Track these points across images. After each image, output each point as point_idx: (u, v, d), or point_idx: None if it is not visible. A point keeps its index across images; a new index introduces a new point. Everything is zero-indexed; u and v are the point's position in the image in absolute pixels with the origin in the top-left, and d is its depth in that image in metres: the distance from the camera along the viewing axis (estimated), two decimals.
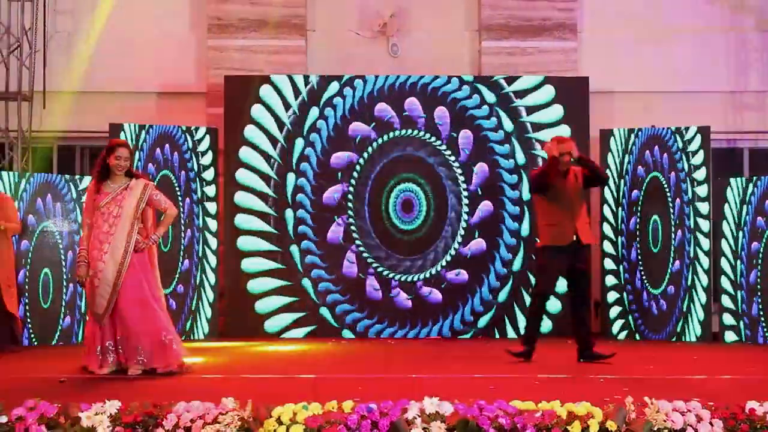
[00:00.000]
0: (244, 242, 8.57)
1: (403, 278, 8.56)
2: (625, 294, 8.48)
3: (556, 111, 8.62)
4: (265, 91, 8.64)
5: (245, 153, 8.59)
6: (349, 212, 8.59)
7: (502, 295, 8.56)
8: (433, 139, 8.62)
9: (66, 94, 9.13)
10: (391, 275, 8.56)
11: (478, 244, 8.57)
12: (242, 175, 8.59)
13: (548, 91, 8.65)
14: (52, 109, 9.14)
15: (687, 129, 8.36)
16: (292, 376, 5.90)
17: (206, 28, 9.16)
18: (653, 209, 8.41)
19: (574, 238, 6.51)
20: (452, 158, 8.61)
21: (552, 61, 9.09)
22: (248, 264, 8.54)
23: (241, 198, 8.58)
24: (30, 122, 9.07)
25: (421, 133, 8.63)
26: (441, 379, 5.77)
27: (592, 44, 9.26)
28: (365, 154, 8.61)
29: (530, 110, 8.63)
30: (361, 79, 8.64)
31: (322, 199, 8.59)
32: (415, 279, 8.57)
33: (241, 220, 8.57)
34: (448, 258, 8.57)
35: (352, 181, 8.60)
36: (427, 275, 8.57)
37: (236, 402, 4.04)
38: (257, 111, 8.61)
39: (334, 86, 8.63)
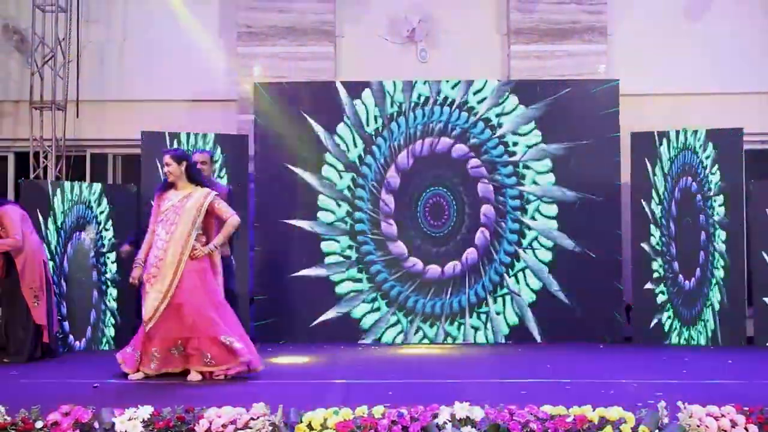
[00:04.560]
0: (275, 248, 8.62)
1: (438, 287, 8.55)
2: (659, 298, 8.39)
3: (587, 114, 8.56)
4: (295, 97, 8.69)
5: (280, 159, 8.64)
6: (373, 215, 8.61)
7: (531, 301, 8.51)
8: (464, 143, 8.60)
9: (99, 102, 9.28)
10: (425, 284, 8.57)
11: (511, 249, 8.53)
12: (273, 181, 8.64)
13: (579, 95, 8.59)
14: (85, 118, 9.28)
15: (719, 131, 8.27)
16: (323, 381, 5.92)
17: (236, 36, 9.23)
18: (687, 213, 8.32)
19: None
20: (487, 162, 8.58)
21: (581, 64, 9.03)
22: (279, 269, 8.57)
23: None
24: (64, 131, 9.20)
25: (453, 138, 8.61)
26: (472, 383, 5.75)
27: (621, 47, 9.18)
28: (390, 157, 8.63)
29: (559, 113, 8.57)
30: (392, 84, 8.66)
31: (356, 204, 8.61)
32: (450, 287, 8.55)
33: (271, 226, 8.61)
34: (485, 263, 8.53)
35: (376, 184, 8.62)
36: (461, 281, 8.55)
37: (267, 407, 4.07)
38: (287, 117, 8.66)
39: (366, 92, 8.65)
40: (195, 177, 6.29)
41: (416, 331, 8.52)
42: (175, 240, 6.04)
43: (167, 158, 6.23)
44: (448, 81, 8.67)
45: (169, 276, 6.00)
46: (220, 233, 6.21)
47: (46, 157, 9.20)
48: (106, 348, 8.00)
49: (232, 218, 6.22)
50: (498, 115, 8.60)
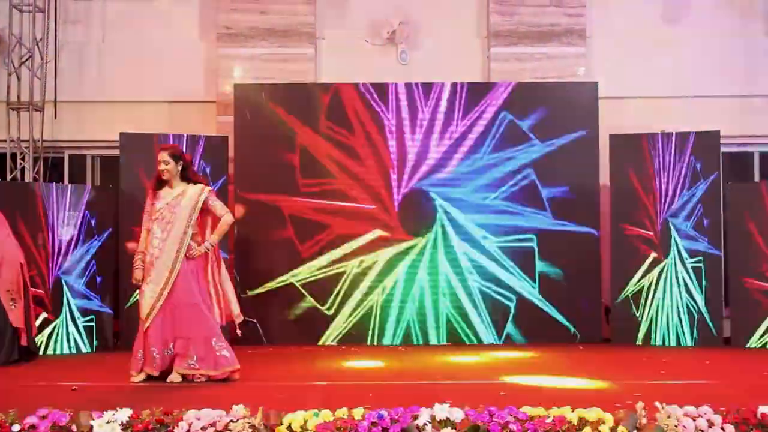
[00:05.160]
0: (254, 249, 8.60)
1: (419, 289, 8.57)
2: (637, 299, 8.45)
3: (567, 116, 8.61)
4: (275, 99, 8.68)
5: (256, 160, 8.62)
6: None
7: (511, 302, 8.54)
8: (446, 144, 8.62)
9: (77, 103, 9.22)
10: (406, 285, 8.58)
11: (494, 251, 8.56)
12: (253, 182, 8.62)
13: (557, 97, 8.64)
14: (63, 119, 9.22)
15: (696, 133, 8.35)
16: (303, 383, 5.91)
17: (216, 38, 9.21)
18: (665, 214, 8.39)
19: None
20: (467, 163, 8.60)
21: (561, 67, 9.09)
22: (258, 271, 8.56)
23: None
24: (41, 132, 9.13)
25: (434, 138, 8.63)
26: (452, 385, 5.76)
27: (600, 50, 9.26)
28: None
29: (539, 115, 8.62)
30: (372, 85, 8.66)
31: (336, 206, 8.61)
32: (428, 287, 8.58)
33: (252, 227, 8.59)
34: (465, 263, 8.55)
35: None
36: (442, 282, 8.57)
37: (247, 409, 4.05)
38: (267, 119, 8.65)
39: (346, 92, 8.65)
40: (189, 175, 6.22)
41: (398, 333, 8.53)
42: (172, 239, 6.00)
43: (165, 156, 6.13)
44: (429, 83, 8.68)
45: (165, 275, 5.96)
46: (215, 231, 6.15)
47: (23, 159, 9.13)
48: (79, 351, 7.96)
49: (227, 215, 6.17)
50: (478, 116, 8.63)
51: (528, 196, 8.58)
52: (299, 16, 9.19)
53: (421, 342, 8.50)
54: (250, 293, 8.51)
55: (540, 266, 8.53)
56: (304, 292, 8.54)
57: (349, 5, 9.42)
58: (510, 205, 8.58)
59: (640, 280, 8.44)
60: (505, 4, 9.17)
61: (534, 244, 8.56)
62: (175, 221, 6.03)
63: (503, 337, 8.50)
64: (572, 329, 8.44)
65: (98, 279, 8.15)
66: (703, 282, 8.21)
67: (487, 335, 8.51)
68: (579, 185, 8.57)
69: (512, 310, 8.53)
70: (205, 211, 6.15)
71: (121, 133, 8.41)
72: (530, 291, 8.53)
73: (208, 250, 6.11)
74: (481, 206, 8.58)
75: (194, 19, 9.44)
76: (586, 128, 8.59)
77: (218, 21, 9.20)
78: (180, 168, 6.15)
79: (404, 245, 8.59)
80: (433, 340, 8.51)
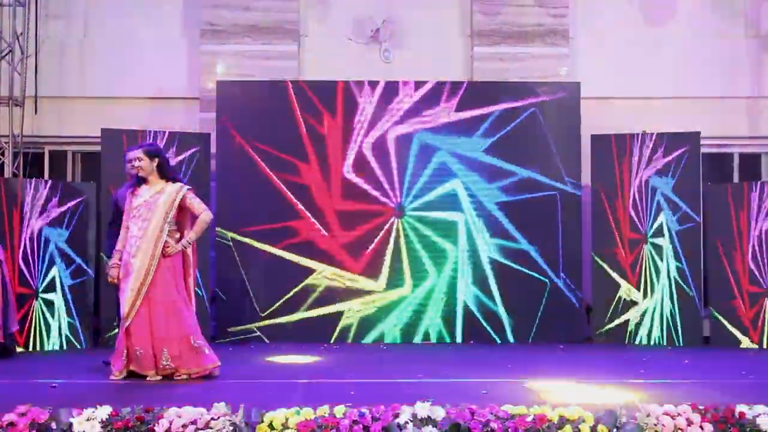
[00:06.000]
0: (236, 246, 8.56)
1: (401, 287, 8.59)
2: (618, 299, 8.51)
3: (548, 116, 8.64)
4: (258, 96, 8.66)
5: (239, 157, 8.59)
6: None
7: (491, 301, 8.57)
8: (427, 142, 8.63)
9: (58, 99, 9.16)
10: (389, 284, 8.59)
11: (471, 250, 8.58)
12: (235, 180, 8.59)
13: (540, 96, 8.67)
14: (44, 114, 9.15)
15: (677, 134, 8.40)
16: (285, 381, 5.91)
17: (199, 34, 9.17)
18: (646, 214, 8.44)
19: None
20: (451, 163, 8.61)
21: (544, 67, 9.11)
22: (241, 268, 8.53)
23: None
24: (21, 127, 9.05)
25: (417, 136, 8.64)
26: (433, 383, 5.77)
27: (583, 50, 9.30)
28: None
29: (521, 116, 8.64)
30: (357, 85, 8.66)
31: (313, 204, 8.60)
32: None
33: (234, 225, 8.57)
34: (446, 262, 8.57)
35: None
36: (422, 280, 8.59)
37: (228, 407, 4.05)
38: (250, 116, 8.62)
39: (330, 92, 8.64)
40: (167, 173, 6.18)
41: (379, 332, 8.53)
42: (148, 237, 5.96)
43: (140, 153, 6.10)
44: (411, 81, 8.68)
45: (142, 273, 5.92)
46: (193, 230, 6.11)
47: (2, 154, 9.05)
48: (62, 348, 7.91)
49: (204, 214, 6.12)
50: (461, 117, 8.63)
51: (508, 195, 8.60)
52: (283, 13, 9.17)
53: (403, 340, 8.51)
54: (233, 290, 8.49)
55: (520, 264, 8.53)
56: (289, 289, 8.52)
57: (332, 3, 9.41)
58: (490, 203, 8.58)
59: (620, 280, 8.49)
60: (488, 4, 9.19)
61: (514, 243, 8.58)
62: (152, 219, 6.00)
63: (483, 336, 8.50)
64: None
65: (78, 277, 8.09)
66: (683, 281, 8.27)
67: (469, 334, 8.52)
68: (560, 185, 8.57)
69: (493, 309, 8.54)
70: (183, 209, 6.12)
71: (102, 129, 8.36)
72: (510, 290, 8.54)
73: (185, 247, 6.10)
74: (463, 204, 8.59)
75: (177, 15, 9.39)
76: (568, 128, 8.60)
77: (202, 17, 9.16)
78: (155, 165, 6.12)
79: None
80: (412, 339, 8.52)
